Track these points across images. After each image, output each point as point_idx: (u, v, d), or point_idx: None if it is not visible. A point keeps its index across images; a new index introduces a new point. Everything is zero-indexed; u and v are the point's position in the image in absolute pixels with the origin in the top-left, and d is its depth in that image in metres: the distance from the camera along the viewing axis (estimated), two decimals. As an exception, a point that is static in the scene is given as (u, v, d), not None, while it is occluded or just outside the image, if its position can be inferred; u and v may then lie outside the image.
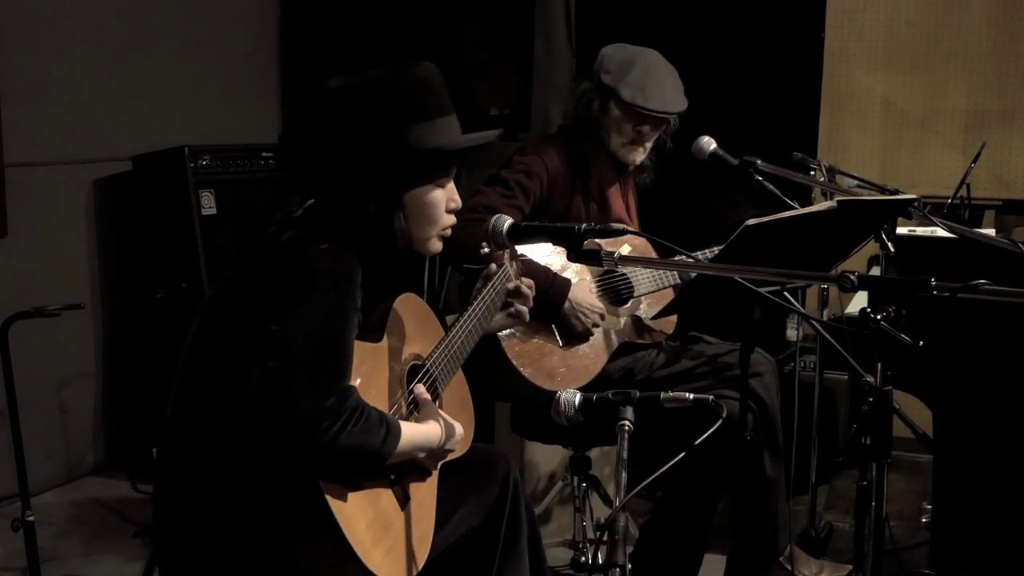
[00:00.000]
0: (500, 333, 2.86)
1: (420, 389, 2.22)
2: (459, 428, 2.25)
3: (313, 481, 1.93)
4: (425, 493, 2.23)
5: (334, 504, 1.94)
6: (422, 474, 2.23)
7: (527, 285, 2.57)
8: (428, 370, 2.28)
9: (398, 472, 2.14)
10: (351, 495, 1.99)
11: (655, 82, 3.12)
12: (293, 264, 1.99)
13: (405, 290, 2.30)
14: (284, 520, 1.96)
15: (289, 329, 1.92)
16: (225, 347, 2.03)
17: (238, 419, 1.97)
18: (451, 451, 2.24)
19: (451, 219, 2.27)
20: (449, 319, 2.48)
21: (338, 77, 2.18)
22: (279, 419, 1.90)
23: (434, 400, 2.26)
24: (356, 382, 2.01)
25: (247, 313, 2.00)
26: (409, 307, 2.29)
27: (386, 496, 2.10)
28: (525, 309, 2.55)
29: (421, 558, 2.14)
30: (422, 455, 2.16)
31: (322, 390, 1.91)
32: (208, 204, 4.24)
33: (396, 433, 2.04)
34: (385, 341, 2.17)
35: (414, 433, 2.11)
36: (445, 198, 2.24)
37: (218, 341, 2.07)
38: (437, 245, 2.27)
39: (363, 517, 2.00)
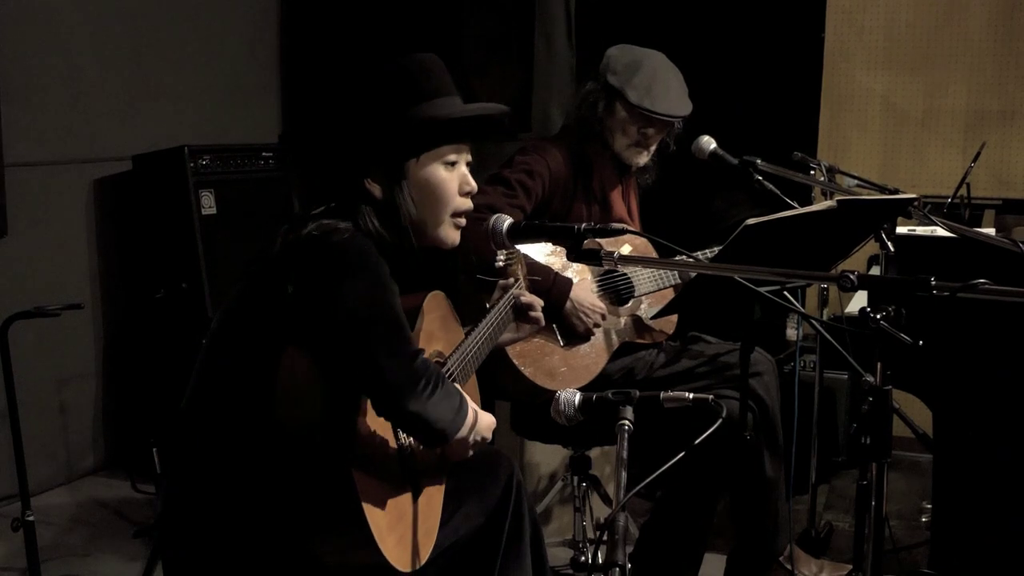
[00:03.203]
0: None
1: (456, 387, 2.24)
2: (492, 419, 2.26)
3: (344, 466, 1.94)
4: (435, 490, 2.25)
5: (361, 487, 1.95)
6: (435, 469, 2.24)
7: (536, 301, 2.58)
8: (449, 369, 2.29)
9: (414, 466, 2.16)
10: (376, 481, 2.01)
11: (661, 85, 3.11)
12: (320, 253, 1.99)
13: (434, 288, 2.32)
14: (309, 506, 1.97)
15: (347, 309, 1.94)
16: (251, 341, 2.03)
17: (262, 408, 1.96)
18: (486, 440, 2.25)
19: (466, 203, 2.24)
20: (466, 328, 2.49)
21: (341, 75, 2.21)
22: (371, 391, 1.95)
23: None
24: None
25: (275, 306, 1.99)
26: (437, 305, 2.31)
27: (403, 487, 2.12)
28: (540, 315, 2.57)
29: (425, 553, 2.16)
30: (470, 437, 2.16)
31: (406, 353, 1.97)
32: (208, 204, 4.24)
33: (467, 406, 2.10)
34: (414, 334, 2.19)
35: (473, 413, 2.15)
36: (456, 180, 2.22)
37: (241, 336, 2.07)
38: (452, 233, 2.24)
39: (382, 503, 2.03)
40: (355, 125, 2.18)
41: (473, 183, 2.25)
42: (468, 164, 2.26)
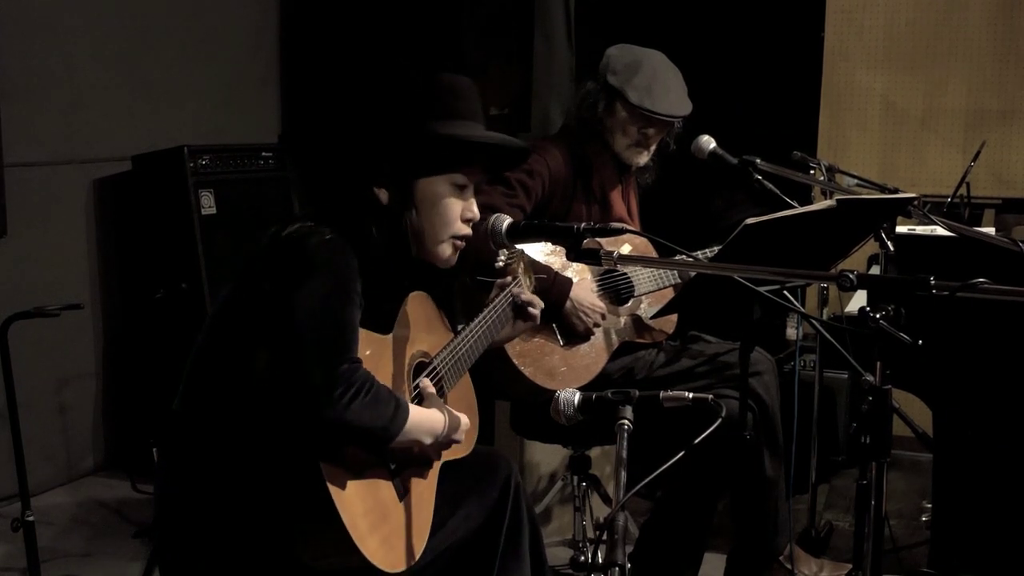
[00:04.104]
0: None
1: (425, 382, 2.23)
2: (465, 419, 2.25)
3: (314, 464, 1.95)
4: (425, 488, 2.23)
5: (333, 488, 1.95)
6: (423, 469, 2.24)
7: (535, 303, 2.57)
8: (435, 367, 2.29)
9: (399, 464, 2.15)
10: (350, 481, 2.00)
11: (661, 85, 3.11)
12: (292, 254, 2.02)
13: (431, 292, 2.33)
14: (284, 505, 1.98)
15: (293, 311, 1.95)
16: (232, 338, 2.06)
17: (243, 406, 2.00)
18: (457, 442, 2.24)
19: (464, 229, 2.26)
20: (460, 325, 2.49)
21: (345, 76, 2.23)
22: (290, 393, 1.92)
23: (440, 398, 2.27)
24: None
25: (251, 304, 2.03)
26: (419, 306, 2.31)
27: (385, 486, 2.11)
28: (537, 312, 2.56)
29: (417, 552, 2.15)
30: (428, 441, 2.16)
31: (332, 360, 1.94)
32: (208, 204, 4.24)
33: (405, 411, 2.06)
34: (393, 334, 2.19)
35: (421, 417, 2.13)
36: (460, 205, 2.23)
37: (226, 333, 2.10)
38: (448, 253, 2.26)
39: (361, 503, 2.02)
40: (373, 130, 2.19)
41: (476, 211, 2.27)
42: (475, 192, 2.28)
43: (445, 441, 2.20)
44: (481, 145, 2.24)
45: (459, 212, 2.23)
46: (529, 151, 2.33)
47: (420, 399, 2.22)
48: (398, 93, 2.21)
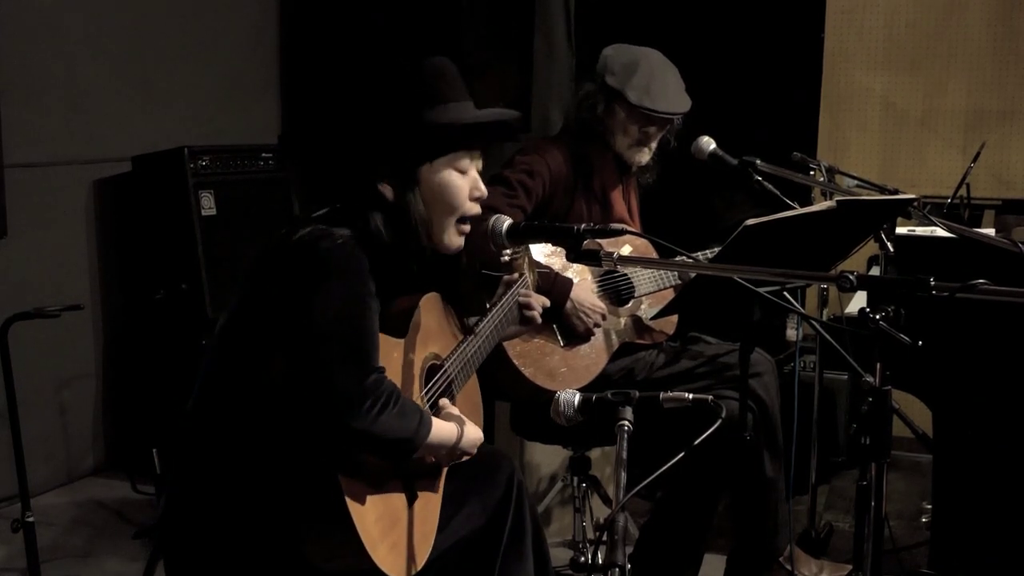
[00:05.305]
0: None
1: (444, 401, 2.25)
2: (479, 433, 2.27)
3: (330, 470, 1.95)
4: (431, 495, 2.24)
5: (348, 494, 1.96)
6: (430, 474, 2.24)
7: (539, 301, 2.57)
8: (446, 370, 2.30)
9: (409, 470, 2.16)
10: (364, 487, 2.01)
11: (659, 83, 3.12)
12: (306, 258, 2.01)
13: (434, 291, 2.33)
14: (297, 509, 1.98)
15: (313, 318, 1.94)
16: (246, 343, 2.06)
17: (258, 411, 1.99)
18: (469, 455, 2.25)
19: (474, 207, 2.26)
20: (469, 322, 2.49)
21: (346, 76, 2.23)
22: (314, 403, 1.92)
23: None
24: None
25: (265, 308, 2.03)
26: (432, 307, 2.31)
27: (396, 492, 2.12)
28: (536, 314, 2.56)
29: (422, 557, 2.16)
30: (443, 452, 2.18)
31: (359, 371, 1.95)
32: (208, 205, 4.24)
33: (428, 424, 2.08)
34: (407, 337, 2.20)
35: (441, 429, 2.14)
36: (467, 185, 2.24)
37: (239, 338, 2.09)
38: (455, 239, 2.26)
39: (373, 510, 2.02)
40: (369, 128, 2.20)
41: (483, 188, 2.28)
42: (478, 169, 2.28)
43: (458, 454, 2.22)
44: (477, 125, 2.24)
45: (467, 193, 2.24)
46: (521, 119, 2.33)
47: (436, 408, 2.23)
48: (388, 87, 2.21)
